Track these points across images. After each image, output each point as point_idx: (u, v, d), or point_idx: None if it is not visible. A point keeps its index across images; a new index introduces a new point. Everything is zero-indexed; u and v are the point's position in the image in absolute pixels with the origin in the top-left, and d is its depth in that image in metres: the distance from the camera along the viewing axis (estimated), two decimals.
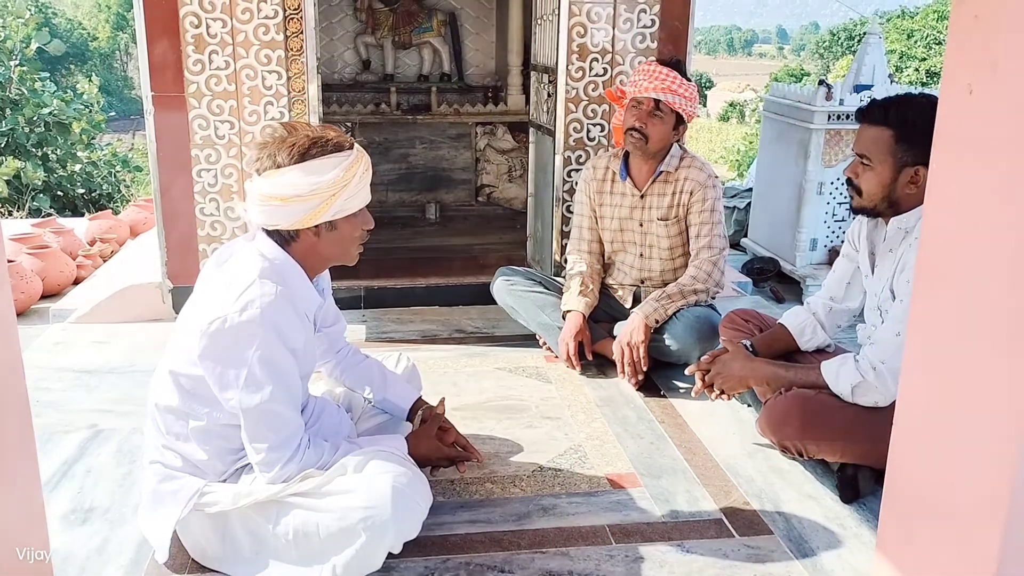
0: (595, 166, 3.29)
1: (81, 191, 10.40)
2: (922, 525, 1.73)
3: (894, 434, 1.79)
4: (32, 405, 2.92)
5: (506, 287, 3.39)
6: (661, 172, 3.13)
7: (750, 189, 5.42)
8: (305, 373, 2.08)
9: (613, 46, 3.77)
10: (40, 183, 9.56)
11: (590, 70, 3.77)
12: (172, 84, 3.53)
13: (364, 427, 2.39)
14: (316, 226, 1.93)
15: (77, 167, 10.49)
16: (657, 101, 3.01)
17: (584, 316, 3.18)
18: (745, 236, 5.17)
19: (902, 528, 1.80)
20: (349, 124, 5.40)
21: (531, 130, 4.13)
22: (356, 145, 1.97)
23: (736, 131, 26.61)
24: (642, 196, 3.18)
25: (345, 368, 2.42)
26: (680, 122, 3.07)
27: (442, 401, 2.44)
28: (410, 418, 2.38)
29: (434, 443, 2.26)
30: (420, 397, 2.44)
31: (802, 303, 2.78)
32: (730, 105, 32.08)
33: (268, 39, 3.53)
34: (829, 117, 4.25)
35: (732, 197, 5.63)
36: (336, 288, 3.90)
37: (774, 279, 4.55)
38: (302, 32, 3.53)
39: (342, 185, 1.89)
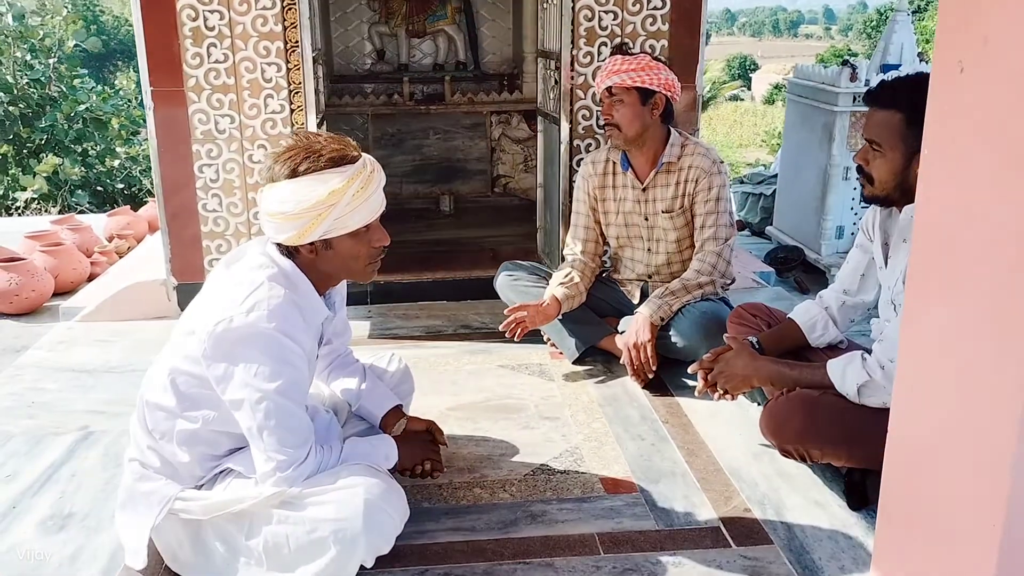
0: (594, 160, 3.16)
1: (120, 186, 10.52)
2: (918, 541, 1.60)
3: (888, 444, 1.66)
4: (27, 406, 2.95)
5: (509, 282, 3.29)
6: (663, 164, 2.99)
7: (776, 175, 5.25)
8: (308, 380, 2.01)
9: (622, 30, 3.63)
10: (79, 179, 9.69)
11: (599, 55, 3.63)
12: (171, 78, 3.49)
13: (348, 433, 2.31)
14: (311, 244, 1.85)
15: (116, 163, 10.61)
16: (609, 89, 2.90)
17: (557, 300, 3.04)
18: (770, 224, 5.00)
19: (897, 543, 1.67)
20: (362, 116, 5.32)
21: (539, 118, 4.01)
22: (361, 160, 1.85)
23: (781, 114, 26.14)
24: (644, 189, 3.05)
25: (333, 369, 2.35)
26: (649, 95, 2.91)
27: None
28: (384, 425, 2.29)
29: (418, 446, 2.21)
30: (399, 407, 2.33)
31: None
32: (775, 88, 31.51)
33: (266, 30, 3.46)
34: (854, 99, 4.08)
35: (759, 183, 5.46)
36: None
37: (798, 269, 4.39)
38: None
39: (329, 205, 1.78)
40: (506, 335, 3.02)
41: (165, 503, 1.90)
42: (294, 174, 1.79)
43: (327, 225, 1.81)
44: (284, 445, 1.83)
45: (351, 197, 1.80)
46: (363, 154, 1.88)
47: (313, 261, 1.89)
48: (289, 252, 1.90)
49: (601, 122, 3.01)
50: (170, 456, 1.92)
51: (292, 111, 3.54)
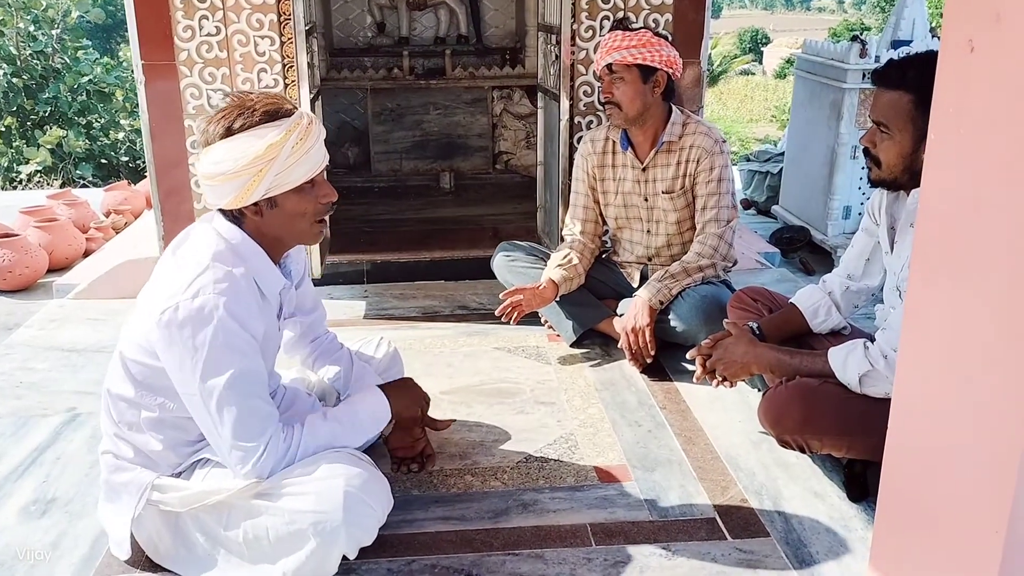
0: (593, 139, 3.08)
1: (125, 159, 10.45)
2: (917, 538, 1.54)
3: (889, 436, 1.60)
4: (14, 387, 2.90)
5: (506, 263, 3.22)
6: (663, 143, 2.91)
7: (783, 153, 5.14)
8: (269, 359, 1.95)
9: (625, 3, 3.53)
10: (83, 152, 9.62)
11: (601, 29, 3.54)
12: (162, 52, 3.41)
13: None
14: (255, 204, 1.78)
15: (120, 135, 10.53)
16: (609, 66, 2.81)
17: (554, 283, 2.97)
18: (776, 203, 4.91)
19: (896, 540, 1.61)
20: (361, 90, 5.23)
21: (539, 95, 3.92)
22: (297, 112, 1.79)
23: (792, 88, 25.77)
24: (644, 169, 2.96)
25: (318, 356, 2.29)
26: (651, 73, 2.82)
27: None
28: None
29: (413, 399, 2.17)
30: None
31: None
32: (787, 62, 31.13)
33: (259, 2, 3.37)
34: (863, 75, 3.96)
35: (765, 161, 5.35)
36: (339, 263, 3.81)
37: (804, 249, 4.31)
38: None
39: (268, 159, 1.72)
40: (502, 319, 2.95)
41: (142, 491, 1.86)
42: (229, 133, 1.73)
43: (269, 181, 1.74)
44: (238, 439, 1.77)
45: (290, 150, 1.73)
46: (299, 108, 1.82)
47: (259, 224, 1.82)
48: (235, 219, 1.82)
49: (602, 98, 2.91)
50: (142, 445, 1.88)
51: (286, 86, 3.46)
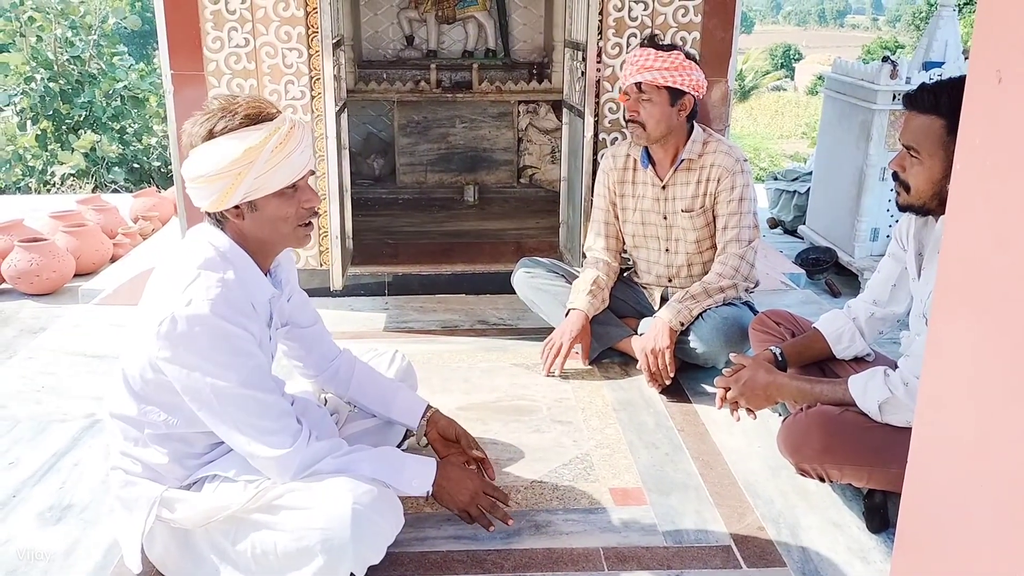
0: (615, 155, 3.06)
1: (156, 164, 10.58)
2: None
3: (909, 468, 1.56)
4: (35, 391, 2.92)
5: (526, 280, 3.20)
6: (683, 160, 2.88)
7: (812, 172, 5.09)
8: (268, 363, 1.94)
9: (652, 20, 3.52)
10: (116, 156, 9.75)
11: (627, 46, 3.52)
12: (191, 62, 3.44)
13: (348, 432, 2.24)
14: (237, 207, 1.78)
15: (153, 140, 10.67)
16: (638, 84, 2.79)
17: (587, 316, 2.98)
18: (803, 223, 4.86)
19: None
20: (388, 102, 5.25)
21: (564, 110, 3.91)
22: (280, 117, 1.79)
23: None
24: (664, 187, 2.94)
25: (341, 383, 2.24)
26: (679, 96, 2.81)
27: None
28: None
29: (467, 481, 2.01)
30: (428, 405, 2.27)
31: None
32: (819, 78, 30.91)
33: (288, 15, 3.40)
34: (894, 97, 3.92)
35: (793, 180, 5.30)
36: (361, 274, 3.82)
37: (830, 271, 4.25)
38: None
39: (247, 163, 1.71)
40: (555, 374, 3.00)
41: (151, 505, 1.85)
42: (211, 135, 1.73)
43: (248, 185, 1.73)
44: (259, 434, 1.78)
45: (269, 154, 1.73)
46: (284, 113, 1.83)
47: (241, 228, 1.82)
48: (219, 222, 1.83)
49: (627, 116, 2.90)
50: (148, 459, 1.87)
51: (313, 97, 3.48)
